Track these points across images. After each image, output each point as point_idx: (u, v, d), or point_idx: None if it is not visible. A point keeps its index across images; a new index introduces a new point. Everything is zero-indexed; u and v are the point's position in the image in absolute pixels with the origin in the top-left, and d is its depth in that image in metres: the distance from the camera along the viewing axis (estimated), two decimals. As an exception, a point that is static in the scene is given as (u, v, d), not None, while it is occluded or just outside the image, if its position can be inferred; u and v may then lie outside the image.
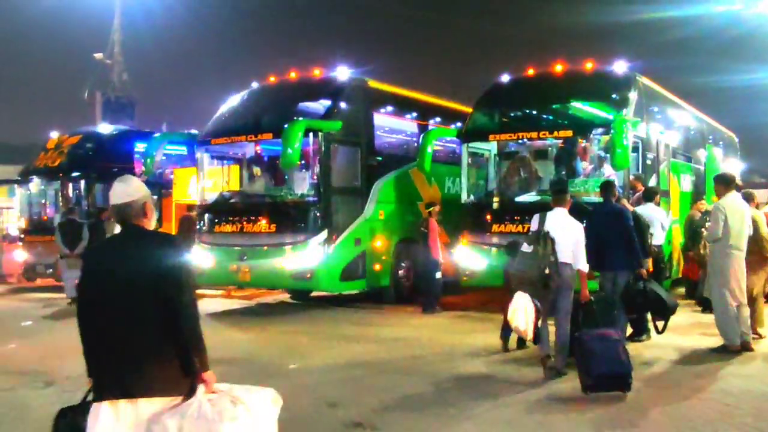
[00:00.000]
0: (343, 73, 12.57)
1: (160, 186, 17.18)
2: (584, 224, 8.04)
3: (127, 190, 3.62)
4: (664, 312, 8.17)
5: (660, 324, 8.32)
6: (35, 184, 17.70)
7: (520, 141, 12.23)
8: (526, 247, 7.53)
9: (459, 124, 12.76)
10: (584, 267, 7.42)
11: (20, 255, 17.14)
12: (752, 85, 30.44)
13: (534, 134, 11.58)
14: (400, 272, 13.09)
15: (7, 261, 18.14)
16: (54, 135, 18.12)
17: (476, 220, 11.78)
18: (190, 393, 3.36)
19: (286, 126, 10.89)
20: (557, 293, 7.31)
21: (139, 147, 17.61)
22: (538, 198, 11.38)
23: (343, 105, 12.15)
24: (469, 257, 11.64)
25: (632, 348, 8.18)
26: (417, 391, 6.87)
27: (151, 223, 3.68)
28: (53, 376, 7.65)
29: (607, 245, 8.15)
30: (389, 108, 13.49)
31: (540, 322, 7.27)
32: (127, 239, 3.62)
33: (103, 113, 25.99)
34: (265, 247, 11.65)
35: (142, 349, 3.37)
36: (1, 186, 19.02)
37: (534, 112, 12.39)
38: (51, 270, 15.76)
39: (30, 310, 13.23)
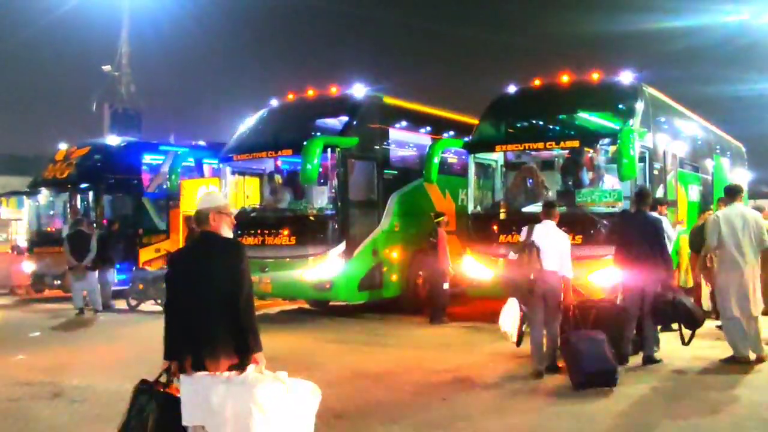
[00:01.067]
0: (359, 90, 12.97)
1: (167, 198, 17.28)
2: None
3: (210, 199, 4.53)
4: (693, 324, 8.23)
5: (686, 335, 8.37)
6: (44, 195, 17.81)
7: (526, 152, 12.22)
8: (512, 256, 8.14)
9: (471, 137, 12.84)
10: (569, 274, 7.91)
11: (28, 266, 17.20)
12: (760, 95, 30.39)
13: (540, 145, 11.56)
14: (417, 282, 13.25)
15: (15, 272, 18.20)
16: (62, 147, 18.23)
17: (483, 230, 11.78)
18: (240, 367, 4.08)
19: (305, 143, 11.26)
20: (546, 299, 7.84)
21: (147, 158, 17.77)
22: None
23: (359, 121, 12.56)
24: (475, 268, 11.62)
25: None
26: (424, 402, 6.85)
27: (221, 230, 4.40)
28: (61, 387, 7.68)
29: (636, 254, 8.21)
30: (404, 123, 13.89)
31: (524, 327, 8.16)
32: (201, 242, 4.43)
33: (110, 125, 26.15)
34: (286, 259, 11.97)
35: (213, 331, 4.14)
36: (9, 197, 19.08)
37: (540, 123, 12.39)
38: (59, 281, 15.80)
39: (38, 321, 13.26)
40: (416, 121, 14.20)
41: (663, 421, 6.07)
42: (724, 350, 8.53)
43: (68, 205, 16.99)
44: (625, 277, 8.43)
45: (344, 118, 12.67)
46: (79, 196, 16.80)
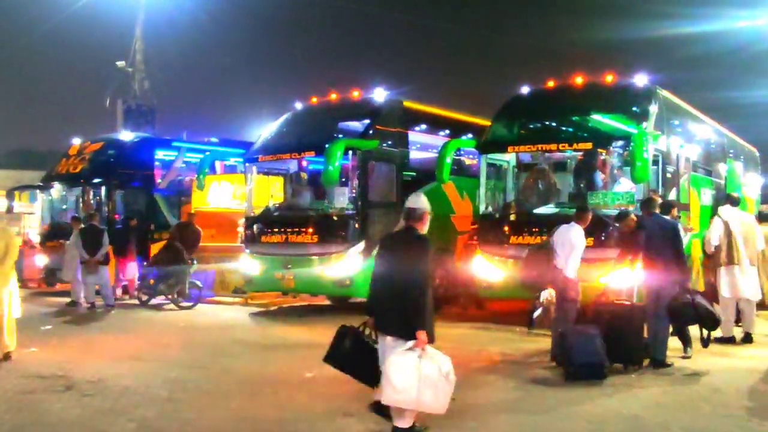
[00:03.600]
0: (379, 94, 13.46)
1: (179, 193, 17.34)
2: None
3: (415, 201, 5.86)
4: (713, 325, 8.45)
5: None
6: (57, 190, 17.90)
7: (539, 153, 12.21)
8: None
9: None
10: (570, 274, 8.33)
11: (41, 260, 17.29)
12: (775, 101, 30.10)
13: (553, 146, 11.55)
14: (434, 281, 13.33)
15: (27, 266, 18.30)
16: (76, 142, 18.31)
17: (494, 231, 11.76)
18: (406, 338, 5.37)
19: (327, 145, 11.75)
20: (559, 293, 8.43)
21: (159, 154, 17.84)
22: (557, 210, 11.33)
23: (379, 124, 12.97)
24: (486, 269, 11.60)
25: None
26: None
27: (423, 227, 5.76)
28: (73, 380, 7.72)
29: (653, 257, 8.29)
30: (422, 126, 14.28)
31: (536, 314, 8.73)
32: (404, 233, 5.75)
33: (124, 120, 26.26)
34: (309, 257, 12.46)
35: (392, 305, 5.50)
36: (22, 191, 19.21)
37: (553, 124, 12.35)
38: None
39: (50, 315, 13.33)
40: (434, 124, 14.50)
41: (675, 426, 6.04)
42: (732, 355, 8.52)
43: (81, 200, 17.07)
44: (645, 279, 8.51)
45: (365, 122, 13.09)
46: (91, 191, 16.88)
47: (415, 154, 13.98)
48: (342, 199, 12.65)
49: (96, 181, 16.77)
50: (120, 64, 26.86)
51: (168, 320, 12.81)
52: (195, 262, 14.50)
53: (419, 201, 5.84)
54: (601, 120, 11.68)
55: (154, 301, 14.48)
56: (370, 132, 12.81)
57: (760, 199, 19.02)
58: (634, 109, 11.33)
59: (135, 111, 26.71)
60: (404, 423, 5.49)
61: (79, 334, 11.15)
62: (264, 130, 14.85)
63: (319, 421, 6.20)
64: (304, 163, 14.09)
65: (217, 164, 18.58)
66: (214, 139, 19.29)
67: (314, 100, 14.43)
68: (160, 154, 17.88)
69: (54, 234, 17.37)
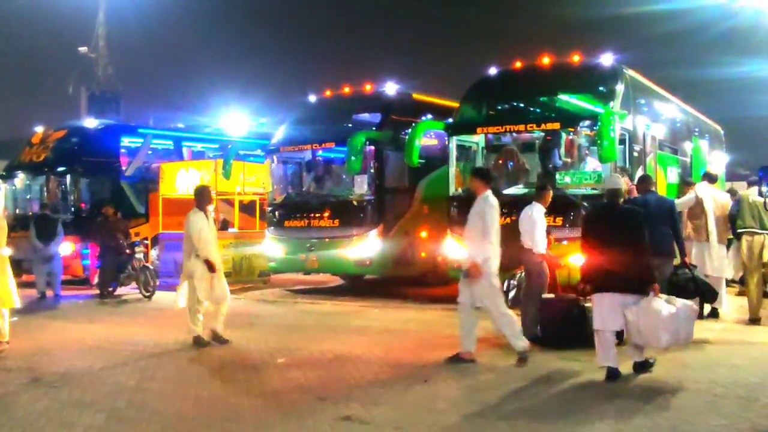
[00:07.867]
0: (390, 88, 14.61)
1: (146, 181, 17.13)
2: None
3: (616, 182, 7.26)
4: (713, 298, 9.05)
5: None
6: (20, 179, 17.56)
7: (507, 134, 12.24)
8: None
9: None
10: (538, 249, 8.54)
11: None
12: (739, 78, 30.50)
13: (521, 127, 11.62)
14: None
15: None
16: (39, 130, 17.99)
17: (464, 212, 11.77)
18: (644, 293, 6.55)
19: (349, 138, 12.76)
20: (525, 273, 8.97)
21: (125, 141, 17.58)
22: (525, 191, 11.38)
23: (392, 116, 14.14)
24: (457, 250, 11.63)
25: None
26: (407, 384, 6.86)
27: (620, 200, 7.20)
28: (39, 371, 7.61)
29: (653, 234, 8.37)
30: (429, 116, 14.83)
31: (511, 294, 9.83)
32: (612, 209, 7.16)
33: (88, 107, 25.84)
34: (330, 239, 13.45)
35: (625, 263, 6.57)
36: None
37: (521, 105, 12.41)
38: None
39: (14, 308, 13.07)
40: (439, 114, 14.82)
41: (641, 400, 6.11)
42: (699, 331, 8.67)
43: (45, 189, 16.77)
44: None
45: (379, 114, 14.15)
46: (56, 180, 16.59)
47: (423, 142, 14.19)
48: (362, 185, 13.39)
49: (60, 169, 16.50)
50: (82, 50, 26.38)
51: (135, 309, 12.67)
52: (137, 245, 14.40)
53: (619, 182, 7.21)
54: (568, 100, 11.74)
55: (121, 290, 14.35)
56: (385, 124, 13.85)
57: (725, 177, 19.30)
58: (600, 88, 11.40)
59: (99, 97, 26.32)
60: (642, 357, 6.83)
61: (44, 326, 10.99)
62: (282, 122, 15.68)
63: (292, 405, 6.18)
64: (320, 154, 14.73)
65: (185, 151, 18.40)
66: (180, 125, 19.07)
67: (328, 93, 15.26)
68: (126, 141, 17.64)
69: (18, 225, 17.03)
